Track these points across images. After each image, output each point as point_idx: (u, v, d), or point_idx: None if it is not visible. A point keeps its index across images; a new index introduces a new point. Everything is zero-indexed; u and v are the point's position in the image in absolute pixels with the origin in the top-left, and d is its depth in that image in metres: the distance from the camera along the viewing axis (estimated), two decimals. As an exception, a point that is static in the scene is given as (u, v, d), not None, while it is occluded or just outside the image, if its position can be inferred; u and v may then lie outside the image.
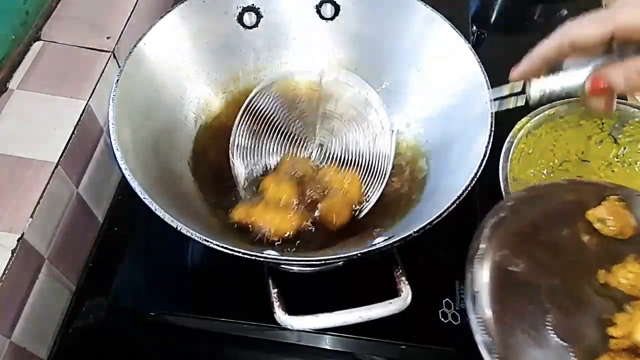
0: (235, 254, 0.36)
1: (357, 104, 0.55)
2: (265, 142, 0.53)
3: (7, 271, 0.41)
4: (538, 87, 0.38)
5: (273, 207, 0.47)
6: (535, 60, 0.39)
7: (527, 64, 0.40)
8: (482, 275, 0.39)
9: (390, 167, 0.52)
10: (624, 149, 0.60)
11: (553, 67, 0.39)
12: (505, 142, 0.55)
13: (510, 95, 0.40)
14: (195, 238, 0.37)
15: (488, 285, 0.38)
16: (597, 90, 0.35)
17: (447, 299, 0.48)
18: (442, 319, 0.47)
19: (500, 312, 0.37)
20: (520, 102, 0.40)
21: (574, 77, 0.37)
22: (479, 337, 0.36)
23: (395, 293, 0.42)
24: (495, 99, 0.42)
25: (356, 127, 0.54)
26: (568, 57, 0.39)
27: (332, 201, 0.49)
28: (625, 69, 0.34)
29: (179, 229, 0.37)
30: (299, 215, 0.48)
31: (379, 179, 0.51)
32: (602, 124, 0.59)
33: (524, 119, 0.56)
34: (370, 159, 0.53)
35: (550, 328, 0.36)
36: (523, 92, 0.40)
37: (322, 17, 0.56)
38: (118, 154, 0.40)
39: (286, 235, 0.47)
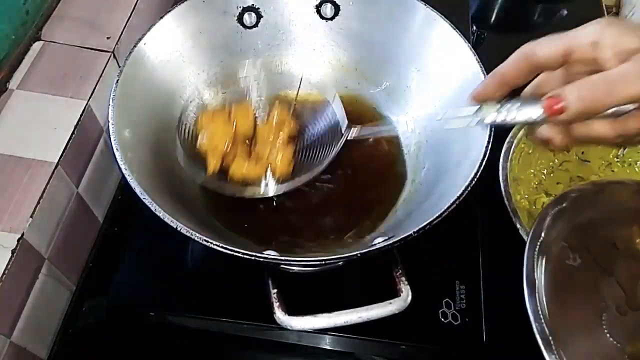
0: (235, 254, 0.36)
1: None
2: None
3: (7, 271, 0.41)
4: (492, 109, 0.37)
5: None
6: (493, 80, 0.37)
7: (485, 84, 0.38)
8: (541, 264, 0.39)
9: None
10: (624, 149, 0.60)
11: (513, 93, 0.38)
12: (505, 142, 0.55)
13: (467, 117, 0.39)
14: (195, 238, 0.37)
15: (546, 275, 0.39)
16: (552, 110, 0.32)
17: (447, 299, 0.48)
18: (442, 319, 0.47)
19: (557, 304, 0.37)
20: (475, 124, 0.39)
21: (531, 103, 0.35)
22: (536, 326, 0.36)
23: (395, 293, 0.42)
24: (451, 118, 0.41)
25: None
26: (526, 80, 0.37)
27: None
28: (579, 85, 0.31)
29: (179, 229, 0.37)
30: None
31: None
32: None
33: None
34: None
35: (605, 327, 0.36)
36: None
37: (322, 17, 0.56)
38: (118, 154, 0.40)
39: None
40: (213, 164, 0.48)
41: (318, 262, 0.38)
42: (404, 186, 0.52)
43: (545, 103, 0.33)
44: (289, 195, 0.52)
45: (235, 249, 0.36)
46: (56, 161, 0.46)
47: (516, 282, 0.53)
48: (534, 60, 0.35)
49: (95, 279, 0.53)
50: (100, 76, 0.52)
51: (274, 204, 0.51)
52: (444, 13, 0.50)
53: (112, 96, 0.43)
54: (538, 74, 0.37)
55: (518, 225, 0.50)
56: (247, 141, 0.51)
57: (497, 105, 0.37)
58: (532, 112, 0.34)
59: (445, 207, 0.39)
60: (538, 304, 0.37)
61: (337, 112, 0.51)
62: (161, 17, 0.49)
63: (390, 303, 0.41)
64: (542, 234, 0.40)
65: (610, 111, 0.32)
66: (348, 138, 0.49)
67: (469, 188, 0.40)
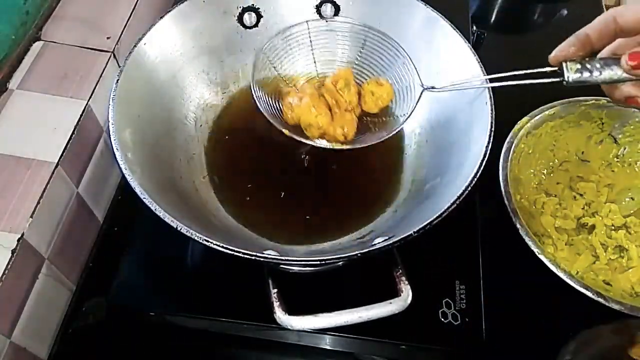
0: (235, 254, 0.36)
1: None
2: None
3: (7, 271, 0.41)
4: (575, 67, 0.38)
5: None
6: (577, 40, 0.39)
7: (568, 43, 0.39)
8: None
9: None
10: (624, 149, 0.60)
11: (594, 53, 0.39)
12: (505, 142, 0.55)
13: (546, 75, 0.40)
14: (195, 238, 0.37)
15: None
16: (636, 64, 0.35)
17: (447, 299, 0.48)
18: (442, 319, 0.47)
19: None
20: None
21: (613, 61, 0.37)
22: None
23: (395, 293, 0.42)
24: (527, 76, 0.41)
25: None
26: (607, 44, 0.38)
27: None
28: None
29: (179, 229, 0.37)
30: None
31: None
32: (602, 124, 0.59)
33: (524, 119, 0.57)
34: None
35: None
36: (559, 75, 0.39)
37: (322, 17, 0.56)
38: (118, 154, 0.40)
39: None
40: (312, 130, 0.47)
41: (318, 262, 0.38)
42: (404, 186, 0.52)
43: (628, 56, 0.35)
44: (289, 194, 0.52)
45: (236, 249, 0.36)
46: (56, 161, 0.46)
47: (516, 282, 0.53)
48: (620, 23, 0.36)
49: (95, 279, 0.53)
50: (100, 76, 0.52)
51: (276, 198, 0.51)
52: (444, 13, 0.50)
53: (112, 96, 0.43)
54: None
55: (518, 225, 0.50)
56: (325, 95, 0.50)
57: (578, 65, 0.38)
58: (616, 69, 0.37)
59: (445, 207, 0.39)
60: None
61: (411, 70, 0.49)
62: (161, 17, 0.49)
63: (390, 303, 0.41)
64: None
65: None
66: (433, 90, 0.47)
67: (469, 188, 0.40)
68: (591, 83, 0.38)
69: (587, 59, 0.38)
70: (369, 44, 0.52)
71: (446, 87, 0.46)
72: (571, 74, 0.38)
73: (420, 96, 0.47)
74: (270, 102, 0.49)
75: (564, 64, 0.38)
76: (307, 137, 0.48)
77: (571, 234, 0.56)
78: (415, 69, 0.48)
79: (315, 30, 0.52)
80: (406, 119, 0.47)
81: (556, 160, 0.60)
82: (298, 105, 0.48)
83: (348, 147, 0.48)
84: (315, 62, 0.54)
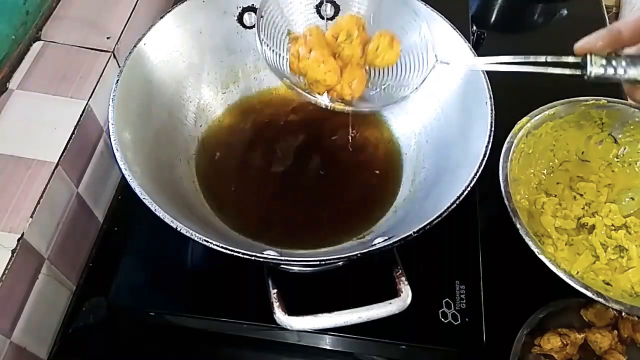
0: (235, 254, 0.36)
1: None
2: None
3: (7, 271, 0.41)
4: (600, 62, 0.36)
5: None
6: (609, 34, 0.37)
7: (598, 36, 0.37)
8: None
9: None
10: (624, 149, 0.60)
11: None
12: (505, 142, 0.55)
13: (567, 66, 0.38)
14: (195, 238, 0.37)
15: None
16: None
17: (447, 299, 0.48)
18: (442, 319, 0.47)
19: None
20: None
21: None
22: None
23: (395, 293, 0.42)
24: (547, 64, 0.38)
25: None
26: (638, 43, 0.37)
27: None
28: None
29: (179, 229, 0.37)
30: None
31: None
32: (602, 124, 0.59)
33: (524, 119, 0.56)
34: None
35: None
36: (582, 67, 0.37)
37: (322, 17, 0.56)
38: (118, 154, 0.40)
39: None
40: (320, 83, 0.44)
41: (318, 262, 0.38)
42: (404, 186, 0.53)
43: None
44: (290, 193, 0.52)
45: (235, 249, 0.36)
46: (56, 161, 0.46)
47: (516, 282, 0.53)
48: None
49: (95, 279, 0.53)
50: (100, 76, 0.52)
51: (274, 199, 0.51)
52: (444, 13, 0.50)
53: (112, 96, 0.43)
54: None
55: (518, 225, 0.50)
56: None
57: (603, 60, 0.36)
58: None
59: (445, 207, 0.39)
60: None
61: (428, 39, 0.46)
62: (161, 17, 0.49)
63: (390, 303, 0.41)
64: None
65: None
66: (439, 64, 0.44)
67: (469, 188, 0.40)
68: (613, 81, 0.36)
69: (613, 54, 0.37)
70: (386, 3, 0.49)
71: (461, 63, 0.45)
72: (594, 68, 0.36)
73: (431, 69, 0.45)
74: (276, 47, 0.46)
75: (588, 57, 0.36)
76: (309, 91, 0.45)
77: (571, 234, 0.56)
78: (432, 39, 0.45)
79: None
80: (414, 89, 0.45)
81: (556, 160, 0.60)
82: (306, 57, 0.44)
83: (349, 109, 0.45)
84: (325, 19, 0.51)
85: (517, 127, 0.56)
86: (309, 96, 0.45)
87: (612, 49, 0.37)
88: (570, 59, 0.37)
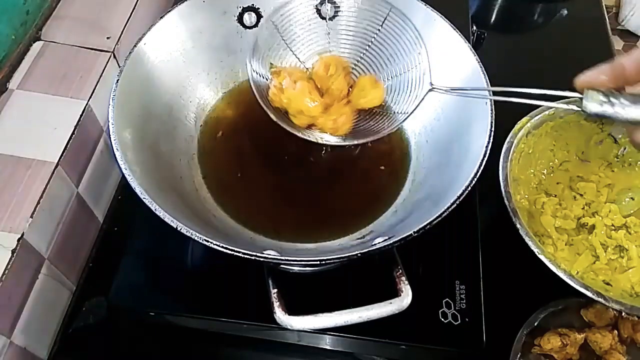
0: (235, 254, 0.36)
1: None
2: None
3: (7, 271, 0.41)
4: (598, 98, 0.34)
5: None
6: (611, 70, 0.35)
7: (600, 70, 0.35)
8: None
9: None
10: (624, 149, 0.60)
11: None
12: (505, 142, 0.55)
13: (563, 99, 0.37)
14: (195, 238, 0.37)
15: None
16: None
17: (447, 299, 0.48)
18: (442, 319, 0.47)
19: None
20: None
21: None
22: None
23: (395, 293, 0.42)
24: (542, 98, 0.37)
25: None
26: None
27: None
28: None
29: (179, 229, 0.37)
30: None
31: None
32: (602, 124, 0.59)
33: (524, 119, 0.56)
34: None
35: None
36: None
37: (322, 17, 0.56)
38: (118, 154, 0.40)
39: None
40: (300, 120, 0.45)
41: (318, 262, 0.38)
42: (404, 186, 0.52)
43: None
44: (290, 194, 0.52)
45: (236, 249, 0.36)
46: (56, 161, 0.46)
47: (516, 282, 0.53)
48: None
49: (95, 279, 0.53)
50: (100, 76, 0.52)
51: (275, 199, 0.51)
52: (444, 13, 0.50)
53: (112, 96, 0.43)
54: None
55: (518, 225, 0.50)
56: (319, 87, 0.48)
57: (601, 96, 0.34)
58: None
59: (445, 207, 0.39)
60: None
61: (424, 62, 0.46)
62: (161, 17, 0.49)
63: (390, 303, 0.41)
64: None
65: None
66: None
67: (469, 188, 0.40)
68: (613, 119, 0.34)
69: (614, 91, 0.34)
70: (387, 26, 0.50)
71: (455, 89, 0.45)
72: (591, 104, 0.34)
73: (425, 95, 0.45)
74: (264, 80, 0.46)
75: (585, 92, 0.34)
76: (293, 126, 0.46)
77: (571, 234, 0.56)
78: (429, 65, 0.45)
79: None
80: (406, 118, 0.46)
81: (556, 160, 0.60)
82: (291, 88, 0.44)
83: (337, 143, 0.46)
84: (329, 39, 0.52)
85: (517, 127, 0.56)
86: (294, 130, 0.46)
87: (614, 85, 0.35)
88: (569, 94, 0.36)
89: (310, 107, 0.45)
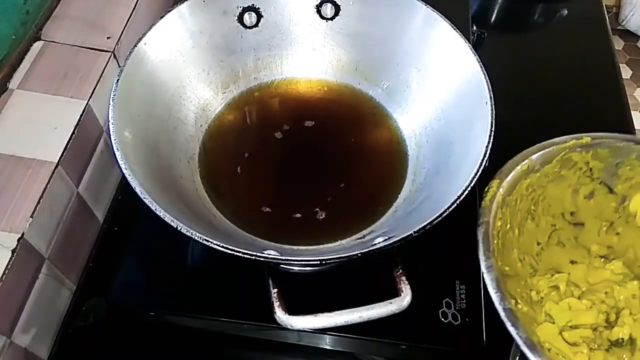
0: (236, 254, 0.36)
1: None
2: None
3: (7, 271, 0.41)
4: None
5: None
6: None
7: None
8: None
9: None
10: (624, 198, 0.44)
11: None
12: (478, 226, 0.41)
13: None
14: (195, 238, 0.37)
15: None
16: None
17: (447, 299, 0.48)
18: (442, 319, 0.47)
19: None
20: None
21: None
22: None
23: (395, 293, 0.42)
24: None
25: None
26: None
27: None
28: None
29: (179, 229, 0.37)
30: None
31: None
32: (590, 169, 0.45)
33: (492, 183, 0.42)
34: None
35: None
36: None
37: (322, 17, 0.56)
38: (118, 154, 0.40)
39: None
40: None
41: (318, 262, 0.38)
42: (404, 186, 0.52)
43: None
44: (290, 194, 0.52)
45: (236, 249, 0.36)
46: (56, 161, 0.46)
47: (516, 282, 0.53)
48: None
49: (95, 279, 0.53)
50: (100, 76, 0.52)
51: (274, 199, 0.51)
52: (444, 13, 0.50)
53: (112, 96, 0.43)
54: None
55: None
56: None
57: None
58: None
59: (445, 207, 0.39)
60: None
61: None
62: (161, 17, 0.49)
63: (390, 303, 0.41)
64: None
65: None
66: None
67: (469, 188, 0.40)
68: None
69: None
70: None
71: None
72: None
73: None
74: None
75: None
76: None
77: (593, 346, 0.40)
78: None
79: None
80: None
81: (541, 233, 0.45)
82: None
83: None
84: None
85: (487, 196, 0.42)
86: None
87: None
88: None
89: None
